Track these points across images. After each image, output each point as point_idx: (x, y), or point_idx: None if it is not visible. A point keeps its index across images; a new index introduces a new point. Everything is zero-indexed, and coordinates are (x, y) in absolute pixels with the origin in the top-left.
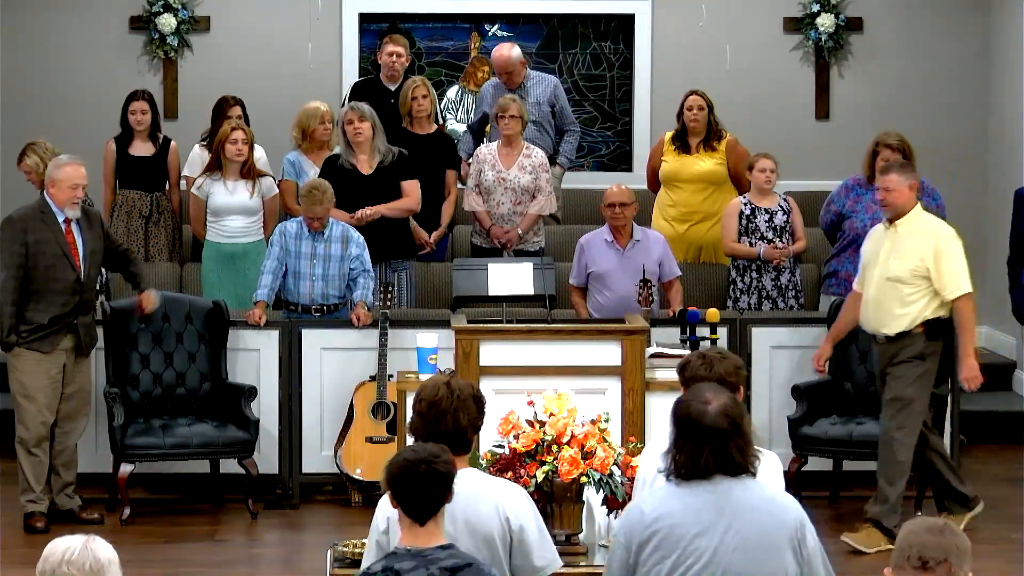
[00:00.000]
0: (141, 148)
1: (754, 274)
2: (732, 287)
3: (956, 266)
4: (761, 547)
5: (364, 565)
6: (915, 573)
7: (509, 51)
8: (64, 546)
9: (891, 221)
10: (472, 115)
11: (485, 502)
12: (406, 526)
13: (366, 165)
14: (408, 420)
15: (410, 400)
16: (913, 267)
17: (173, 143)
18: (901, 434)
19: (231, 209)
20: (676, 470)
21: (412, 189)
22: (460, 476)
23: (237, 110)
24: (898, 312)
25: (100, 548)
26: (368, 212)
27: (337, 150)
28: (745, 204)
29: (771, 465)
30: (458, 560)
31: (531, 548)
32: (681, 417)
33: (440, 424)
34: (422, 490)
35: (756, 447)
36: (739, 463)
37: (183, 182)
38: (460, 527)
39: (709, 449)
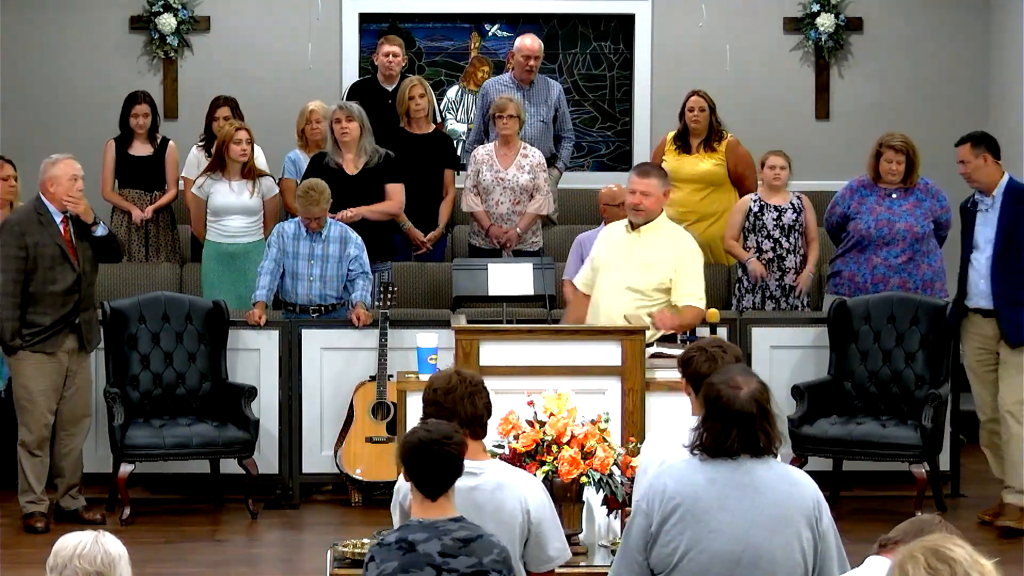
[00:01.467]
0: (140, 148)
1: None
2: (738, 285)
3: (694, 280)
4: (781, 522)
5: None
6: (879, 551)
7: (535, 41)
8: (75, 541)
9: (634, 226)
10: (472, 115)
11: (511, 495)
12: (418, 500)
13: (352, 165)
14: (422, 413)
15: (410, 400)
16: (658, 281)
17: (171, 143)
18: None
19: (232, 209)
20: (702, 447)
21: (396, 192)
22: (487, 467)
23: (225, 110)
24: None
25: (110, 543)
26: (349, 213)
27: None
28: (755, 201)
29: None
30: (469, 532)
31: (547, 540)
32: (711, 399)
33: (459, 409)
34: (435, 469)
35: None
36: (763, 446)
37: (180, 183)
38: (487, 516)
39: (737, 431)
